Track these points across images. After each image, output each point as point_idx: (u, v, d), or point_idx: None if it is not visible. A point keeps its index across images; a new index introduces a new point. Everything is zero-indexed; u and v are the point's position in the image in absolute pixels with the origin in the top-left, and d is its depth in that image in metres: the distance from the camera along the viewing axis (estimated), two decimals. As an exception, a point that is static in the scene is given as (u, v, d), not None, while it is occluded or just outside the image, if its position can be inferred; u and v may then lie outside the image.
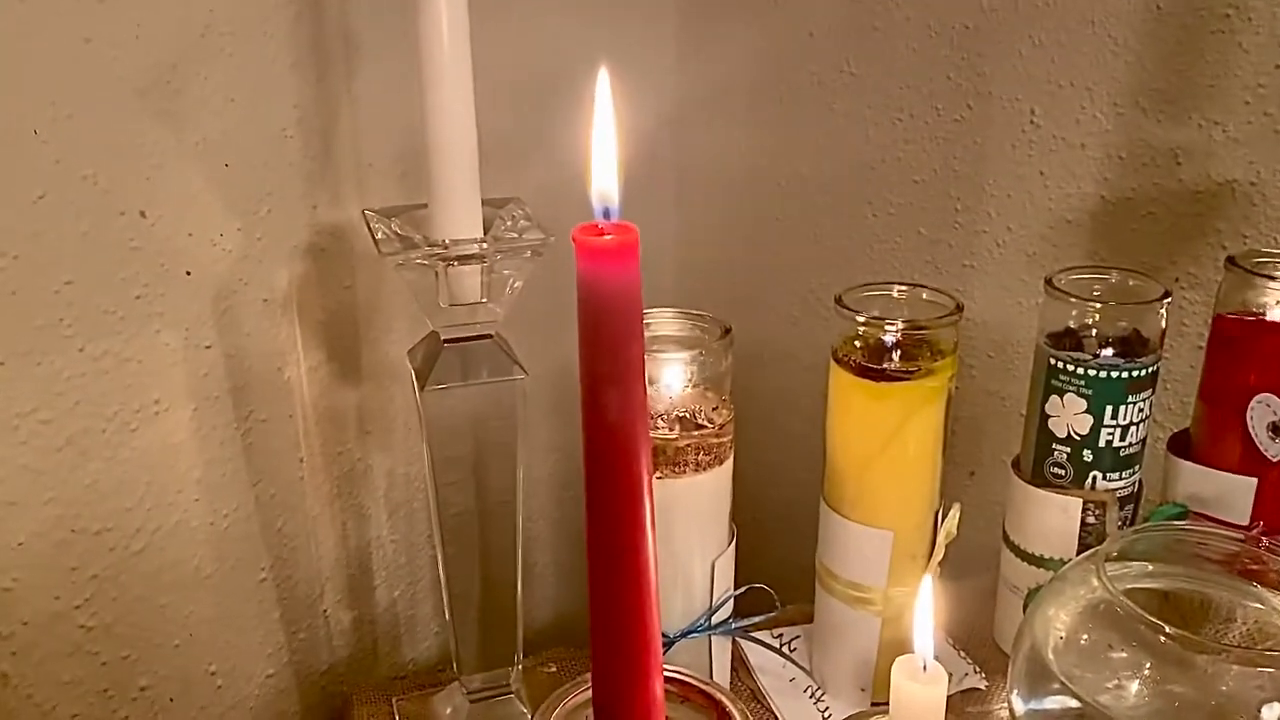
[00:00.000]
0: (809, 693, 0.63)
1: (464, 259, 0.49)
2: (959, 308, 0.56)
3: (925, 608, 0.43)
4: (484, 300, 0.51)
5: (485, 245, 0.49)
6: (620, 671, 0.37)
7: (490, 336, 0.52)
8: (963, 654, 0.65)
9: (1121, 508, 0.58)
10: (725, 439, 0.55)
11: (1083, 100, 0.66)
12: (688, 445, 0.54)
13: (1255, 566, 0.48)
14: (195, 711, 0.59)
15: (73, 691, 0.52)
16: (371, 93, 0.61)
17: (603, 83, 0.33)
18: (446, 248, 0.49)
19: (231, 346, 0.57)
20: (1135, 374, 0.56)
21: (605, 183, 0.32)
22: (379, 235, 0.50)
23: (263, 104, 0.56)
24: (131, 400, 0.52)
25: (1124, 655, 0.45)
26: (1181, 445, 0.60)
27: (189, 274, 0.54)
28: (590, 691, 0.39)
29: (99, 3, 0.47)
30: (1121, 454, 0.57)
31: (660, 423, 0.54)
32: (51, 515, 0.50)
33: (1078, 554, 0.58)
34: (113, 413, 0.51)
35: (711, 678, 0.50)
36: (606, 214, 0.32)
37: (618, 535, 0.35)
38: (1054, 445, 0.58)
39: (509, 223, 0.51)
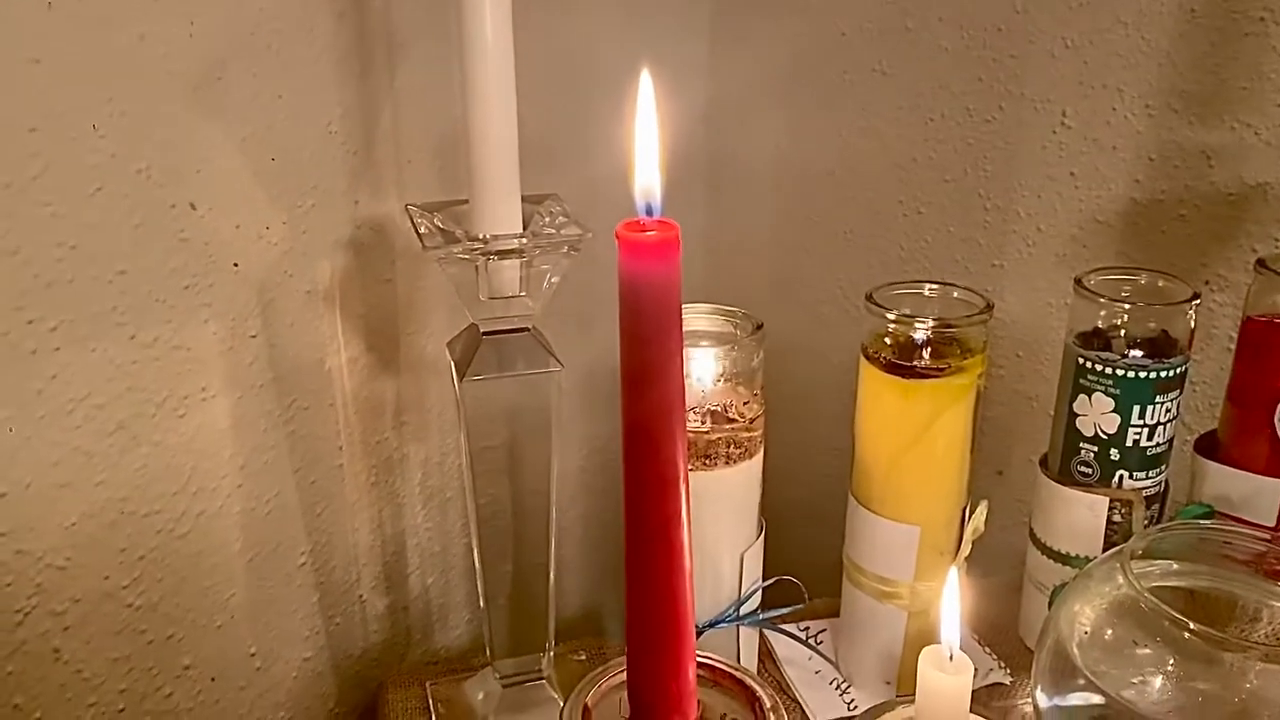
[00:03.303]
0: (834, 685, 0.64)
1: (504, 254, 0.50)
2: (989, 306, 0.57)
3: (952, 597, 0.43)
4: (522, 294, 0.52)
5: (525, 240, 0.51)
6: (654, 656, 0.38)
7: (527, 329, 0.54)
8: (987, 649, 0.66)
9: (1148, 507, 0.59)
10: (756, 433, 0.56)
11: (1114, 102, 0.67)
12: (719, 439, 0.55)
13: (1281, 567, 0.48)
14: (235, 692, 0.60)
15: (120, 668, 0.54)
16: (412, 89, 0.62)
17: (646, 84, 0.34)
18: (487, 243, 0.50)
19: (275, 336, 0.58)
20: (1163, 374, 0.56)
21: (648, 180, 0.34)
22: (422, 230, 0.51)
23: (308, 100, 0.57)
24: (180, 387, 0.54)
25: (1148, 652, 0.45)
26: (1209, 446, 0.61)
27: (236, 265, 0.55)
28: (624, 675, 0.40)
29: (154, 1, 0.49)
30: (1149, 454, 0.58)
31: (692, 416, 0.55)
32: (102, 498, 0.52)
33: (1103, 552, 0.58)
34: (162, 399, 0.53)
35: (740, 666, 0.51)
36: (649, 210, 0.33)
37: (654, 525, 0.36)
38: (1081, 444, 0.59)
39: (547, 219, 0.53)
